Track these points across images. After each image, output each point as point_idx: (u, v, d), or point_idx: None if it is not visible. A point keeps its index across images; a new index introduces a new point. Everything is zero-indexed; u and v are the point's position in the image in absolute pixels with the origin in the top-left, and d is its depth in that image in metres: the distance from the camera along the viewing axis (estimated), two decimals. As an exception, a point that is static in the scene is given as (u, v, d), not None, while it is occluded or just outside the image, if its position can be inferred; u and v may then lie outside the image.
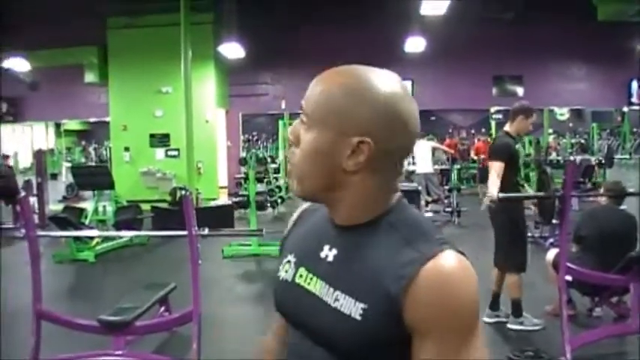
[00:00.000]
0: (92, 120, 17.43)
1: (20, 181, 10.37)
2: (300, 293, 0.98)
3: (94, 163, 18.97)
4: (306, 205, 1.13)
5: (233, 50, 11.31)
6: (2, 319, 4.55)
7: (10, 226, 6.35)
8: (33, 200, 8.62)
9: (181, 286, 4.25)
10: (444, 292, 0.83)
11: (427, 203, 9.85)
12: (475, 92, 13.29)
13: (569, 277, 3.72)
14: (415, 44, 11.52)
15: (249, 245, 7.25)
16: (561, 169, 6.93)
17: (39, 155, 10.25)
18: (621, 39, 11.97)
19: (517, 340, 4.15)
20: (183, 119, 10.27)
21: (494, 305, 4.45)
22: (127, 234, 7.37)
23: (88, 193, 10.76)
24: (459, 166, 11.17)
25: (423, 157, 10.19)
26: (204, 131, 11.95)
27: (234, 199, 7.96)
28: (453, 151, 13.09)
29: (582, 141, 21.28)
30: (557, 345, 3.59)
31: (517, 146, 4.52)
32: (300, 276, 1.00)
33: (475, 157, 14.35)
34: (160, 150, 12.51)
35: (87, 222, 7.99)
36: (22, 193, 6.57)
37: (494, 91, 13.39)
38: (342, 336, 0.89)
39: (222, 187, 13.07)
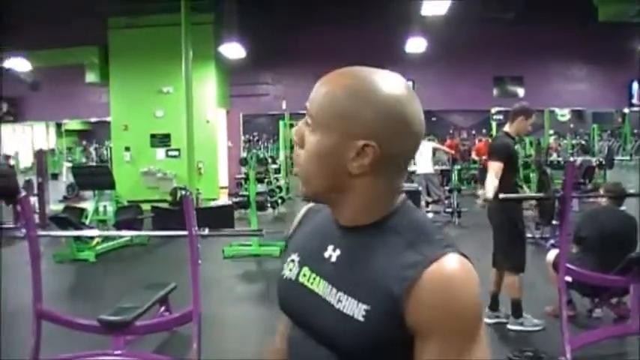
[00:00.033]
0: (93, 120, 17.45)
1: (21, 181, 10.37)
2: (304, 293, 0.98)
3: (94, 163, 19.00)
4: (311, 204, 1.13)
5: (234, 50, 11.31)
6: (2, 318, 4.55)
7: (11, 225, 6.35)
8: (33, 200, 8.61)
9: (182, 286, 4.25)
10: (446, 295, 0.83)
11: (427, 204, 9.86)
12: (476, 93, 13.29)
13: (569, 278, 3.72)
14: (416, 45, 11.52)
15: (250, 245, 7.25)
16: (561, 170, 6.93)
17: (40, 155, 10.23)
18: (622, 40, 11.97)
19: (517, 341, 4.15)
20: (184, 119, 10.28)
21: (494, 306, 4.46)
22: (127, 234, 7.38)
23: (88, 193, 10.76)
24: (459, 167, 11.16)
25: (423, 158, 10.18)
26: (204, 131, 11.96)
27: (235, 200, 7.96)
28: (453, 152, 13.09)
29: (583, 142, 21.29)
30: (557, 345, 3.59)
31: (516, 147, 4.53)
32: (304, 275, 1.00)
33: (476, 158, 14.35)
34: (160, 150, 12.51)
35: (87, 222, 7.99)
36: (23, 193, 6.57)
37: (494, 91, 13.38)
38: (344, 337, 0.90)
39: (222, 188, 13.07)
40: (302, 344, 1.00)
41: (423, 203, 9.39)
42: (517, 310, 4.31)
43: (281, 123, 13.99)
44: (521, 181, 9.48)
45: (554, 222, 4.91)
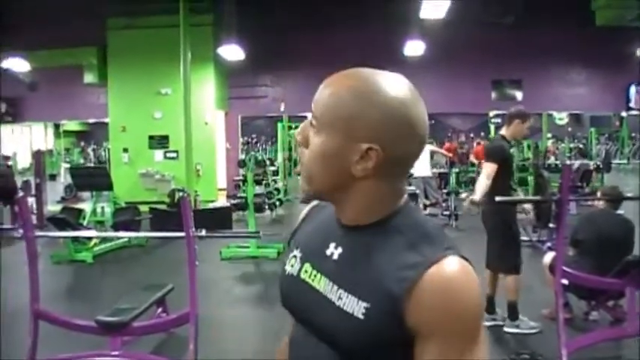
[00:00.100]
0: (91, 121, 17.45)
1: (19, 181, 10.36)
2: (305, 289, 0.99)
3: (92, 164, 18.99)
4: (315, 202, 1.13)
5: (232, 52, 11.32)
6: (1, 319, 4.55)
7: (9, 226, 6.34)
8: (31, 201, 8.63)
9: (179, 287, 4.25)
10: (447, 297, 0.83)
11: (425, 206, 9.87)
12: (474, 96, 13.32)
13: (565, 281, 3.73)
14: (414, 48, 11.55)
15: (248, 247, 7.25)
16: (559, 173, 6.95)
17: (38, 156, 10.23)
18: (620, 44, 12.00)
19: (514, 344, 4.16)
20: (183, 121, 10.28)
21: (490, 308, 4.46)
22: (124, 235, 7.37)
23: (86, 194, 10.76)
24: (457, 170, 11.17)
25: (421, 161, 10.17)
26: (203, 133, 11.97)
27: (233, 201, 7.97)
28: (451, 155, 13.09)
29: (581, 146, 21.34)
30: (554, 348, 3.59)
31: (513, 150, 4.55)
32: (305, 272, 1.01)
33: (475, 161, 14.36)
34: (158, 152, 12.52)
35: (85, 223, 7.98)
36: (21, 194, 6.56)
37: (493, 95, 13.41)
38: (344, 334, 0.90)
39: (220, 189, 13.08)
40: (303, 341, 1.01)
41: (420, 206, 9.41)
42: (513, 313, 4.32)
43: (279, 125, 14.00)
44: (516, 184, 9.49)
45: (550, 225, 4.93)
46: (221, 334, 4.64)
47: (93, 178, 8.92)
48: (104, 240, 7.66)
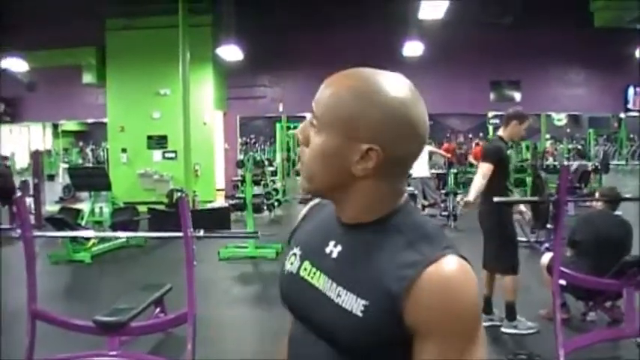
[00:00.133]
0: (90, 121, 17.45)
1: (17, 181, 10.36)
2: (304, 286, 0.99)
3: (91, 165, 18.99)
4: (316, 200, 1.14)
5: (231, 53, 11.32)
6: (0, 318, 4.54)
7: (7, 226, 6.34)
8: (29, 201, 8.63)
9: (177, 287, 4.25)
10: (445, 296, 0.84)
11: (423, 207, 9.87)
12: (473, 97, 13.33)
13: (563, 282, 3.73)
14: (413, 48, 11.55)
15: (246, 248, 7.25)
16: (557, 174, 6.97)
17: (36, 156, 10.24)
18: (618, 45, 12.02)
19: (511, 344, 4.17)
20: (181, 121, 10.28)
21: (487, 308, 4.46)
22: (122, 235, 7.36)
23: (84, 195, 10.75)
24: (455, 171, 11.18)
25: (419, 161, 10.18)
26: (201, 133, 11.97)
27: (231, 202, 7.97)
28: (449, 156, 13.10)
29: (579, 147, 21.36)
30: (551, 349, 3.60)
31: (510, 151, 4.56)
32: (305, 269, 1.01)
33: (474, 162, 14.37)
34: (157, 152, 12.51)
35: (83, 223, 7.98)
36: (19, 194, 6.56)
37: (491, 96, 13.42)
38: (343, 331, 0.90)
39: (219, 190, 13.07)
40: (302, 338, 1.01)
41: (419, 207, 9.41)
42: (511, 313, 4.33)
43: (278, 126, 14.01)
44: (512, 185, 9.51)
45: (548, 226, 4.94)
46: (219, 334, 4.64)
47: (91, 178, 8.92)
48: (102, 240, 7.65)
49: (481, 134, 21.64)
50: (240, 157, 13.50)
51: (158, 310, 4.41)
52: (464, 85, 13.09)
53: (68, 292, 6.22)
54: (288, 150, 15.95)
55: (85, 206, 8.99)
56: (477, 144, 16.57)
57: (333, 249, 0.98)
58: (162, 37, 11.46)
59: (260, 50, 12.15)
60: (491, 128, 16.92)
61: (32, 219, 7.67)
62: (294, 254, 1.06)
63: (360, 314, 0.89)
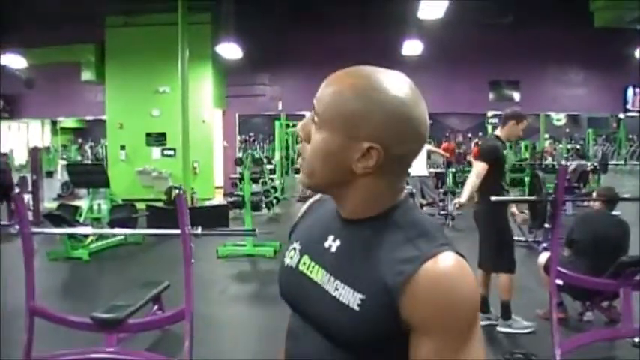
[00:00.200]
0: (89, 118, 17.46)
1: (16, 178, 10.36)
2: (302, 280, 1.00)
3: (89, 162, 18.97)
4: (316, 196, 1.15)
5: (231, 50, 11.31)
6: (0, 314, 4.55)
7: (5, 223, 6.34)
8: (28, 198, 8.63)
9: (175, 284, 4.26)
10: (440, 291, 0.84)
11: (422, 206, 9.86)
12: (472, 96, 13.33)
13: (560, 281, 3.74)
14: (413, 47, 11.54)
15: (244, 246, 7.25)
16: (555, 174, 6.99)
17: (35, 153, 10.24)
18: (618, 45, 12.02)
19: (508, 343, 4.17)
20: (180, 119, 10.28)
21: (484, 307, 4.46)
22: (120, 232, 7.37)
23: (83, 192, 10.76)
24: (454, 170, 11.20)
25: (418, 161, 10.17)
26: (200, 131, 11.97)
27: (230, 200, 7.97)
28: (448, 155, 13.11)
29: (578, 147, 21.37)
30: (548, 348, 3.61)
31: (506, 151, 4.56)
32: (304, 263, 1.02)
33: (473, 162, 14.36)
34: (156, 149, 12.50)
35: (82, 220, 7.97)
36: (17, 190, 6.57)
37: (491, 95, 13.42)
38: (340, 325, 0.91)
39: (217, 187, 13.07)
40: (300, 332, 1.02)
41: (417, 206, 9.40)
42: (506, 312, 4.34)
43: (277, 124, 13.98)
44: (508, 185, 9.52)
45: (546, 225, 4.95)
46: (216, 332, 4.65)
47: (90, 175, 8.91)
48: (100, 237, 7.65)
49: (480, 134, 21.64)
50: (239, 154, 13.51)
51: (156, 307, 4.42)
52: (463, 84, 13.09)
53: (66, 289, 6.22)
54: (287, 148, 15.93)
55: (83, 203, 8.99)
56: (476, 143, 16.58)
57: (332, 243, 0.99)
58: (161, 34, 11.44)
59: (259, 48, 12.13)
60: (490, 128, 16.88)
61: (30, 215, 7.66)
62: (294, 249, 1.07)
63: (356, 308, 0.89)
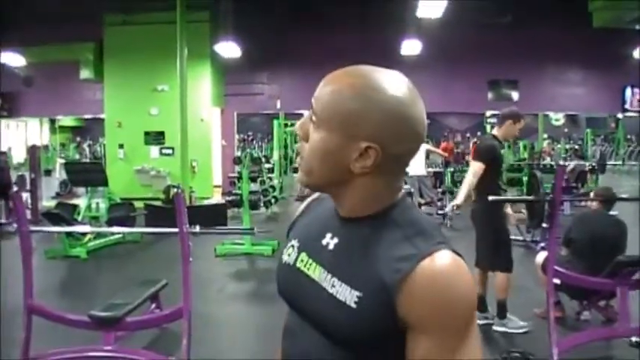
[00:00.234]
0: (87, 117, 17.42)
1: (14, 176, 10.34)
2: (300, 277, 1.01)
3: (88, 160, 18.95)
4: (315, 195, 1.15)
5: (229, 49, 11.31)
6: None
7: (3, 221, 6.34)
8: (26, 196, 8.61)
9: (173, 283, 4.26)
10: (437, 290, 0.84)
11: (420, 205, 9.87)
12: (471, 96, 13.34)
13: (557, 281, 3.75)
14: (411, 47, 11.56)
15: (242, 244, 7.26)
16: (553, 174, 7.01)
17: (33, 151, 10.23)
18: (616, 45, 12.03)
19: (505, 342, 4.18)
20: (179, 117, 10.27)
21: (482, 306, 4.47)
22: (118, 230, 7.36)
23: (81, 190, 10.75)
24: (452, 169, 11.21)
25: (416, 160, 10.20)
26: (199, 130, 11.97)
27: (228, 198, 7.97)
28: (447, 155, 13.12)
29: (576, 147, 21.39)
30: (545, 347, 3.61)
31: (503, 150, 4.57)
32: (301, 261, 1.02)
33: (470, 161, 14.36)
34: (154, 148, 12.49)
35: (80, 218, 7.97)
36: (15, 189, 6.56)
37: (489, 95, 13.43)
38: (337, 322, 0.91)
39: (216, 186, 13.07)
40: (297, 329, 1.02)
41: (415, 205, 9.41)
42: (502, 311, 4.34)
43: (275, 122, 13.98)
44: (505, 184, 9.53)
45: (544, 225, 4.95)
46: (215, 330, 4.65)
47: (88, 173, 8.91)
48: (98, 236, 7.65)
49: (479, 133, 21.66)
50: (238, 153, 13.49)
51: (154, 305, 4.42)
52: (462, 84, 13.10)
53: (64, 287, 6.22)
54: (286, 147, 15.94)
55: (81, 202, 8.97)
56: (475, 143, 16.60)
57: (330, 241, 0.99)
58: (160, 33, 11.43)
59: (258, 47, 12.13)
60: (489, 127, 16.92)
61: (29, 214, 7.65)
62: (292, 246, 1.07)
63: (353, 305, 0.89)
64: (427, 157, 10.82)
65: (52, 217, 6.96)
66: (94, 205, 9.07)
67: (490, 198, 3.89)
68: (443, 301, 0.84)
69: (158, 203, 8.62)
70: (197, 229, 3.43)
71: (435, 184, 11.47)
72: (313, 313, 0.97)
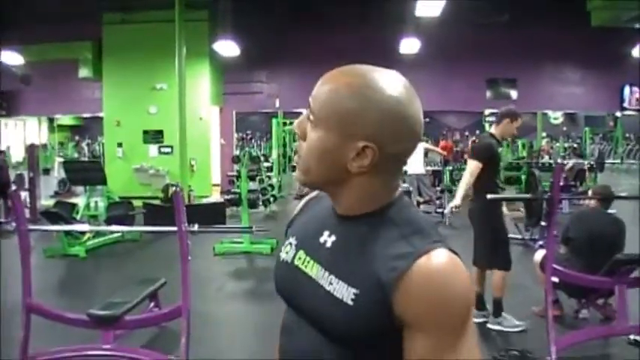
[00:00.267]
0: (86, 115, 17.41)
1: (12, 175, 10.34)
2: (298, 275, 1.01)
3: (86, 159, 18.94)
4: (313, 193, 1.16)
5: (228, 48, 11.31)
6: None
7: (2, 220, 6.33)
8: (25, 195, 8.61)
9: (172, 282, 4.26)
10: (434, 289, 0.84)
11: (419, 204, 9.87)
12: (469, 95, 13.35)
13: (555, 279, 3.75)
14: (410, 45, 11.56)
15: (241, 243, 7.26)
16: (551, 172, 7.02)
17: (31, 150, 10.22)
18: (615, 44, 12.04)
19: (503, 340, 4.18)
20: (177, 116, 10.27)
21: (480, 304, 4.47)
22: (117, 229, 7.36)
23: (80, 189, 10.73)
24: (450, 168, 11.21)
25: (415, 158, 10.18)
26: (198, 129, 11.97)
27: (227, 197, 7.96)
28: (445, 153, 13.12)
29: (575, 145, 21.39)
30: (544, 345, 3.61)
31: (501, 149, 4.57)
32: (299, 258, 1.03)
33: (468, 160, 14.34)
34: (153, 146, 12.50)
35: (78, 217, 7.96)
36: (14, 187, 6.55)
37: (488, 94, 13.44)
38: (334, 319, 0.92)
39: (215, 185, 13.07)
40: (295, 327, 1.02)
41: (414, 203, 9.41)
42: (497, 310, 4.34)
43: (274, 121, 13.98)
44: (503, 183, 9.54)
45: (542, 223, 4.96)
46: (213, 329, 4.64)
47: (87, 172, 8.90)
48: (97, 234, 7.65)
49: (477, 132, 21.61)
50: (236, 152, 13.50)
51: (152, 304, 4.42)
52: (460, 82, 13.10)
53: (63, 286, 6.22)
54: (284, 146, 15.94)
55: (80, 200, 8.96)
56: (474, 141, 16.59)
57: (327, 239, 1.00)
58: (158, 31, 11.44)
59: (257, 46, 12.13)
60: (487, 126, 16.92)
61: (27, 213, 7.64)
62: (290, 244, 1.08)
63: (350, 302, 0.90)
64: (426, 155, 10.81)
65: (51, 215, 6.96)
66: (92, 204, 9.05)
67: (488, 196, 3.90)
68: (439, 299, 0.84)
69: (157, 202, 8.62)
70: (196, 227, 3.43)
71: (434, 183, 11.47)
72: (310, 310, 0.97)
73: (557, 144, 21.64)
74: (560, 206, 8.01)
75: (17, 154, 19.79)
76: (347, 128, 0.91)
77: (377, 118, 0.90)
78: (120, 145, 12.52)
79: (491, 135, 4.43)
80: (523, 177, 10.92)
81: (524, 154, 14.11)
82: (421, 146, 10.36)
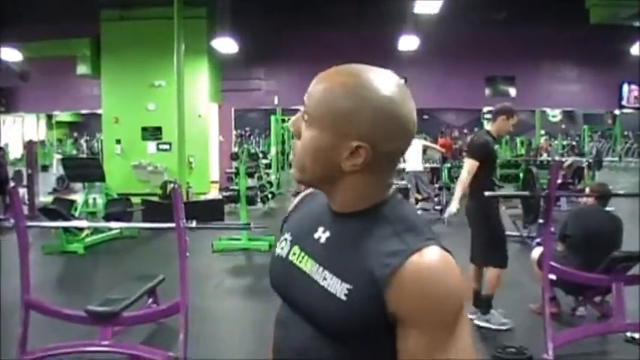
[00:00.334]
0: (84, 112, 17.39)
1: (11, 172, 10.33)
2: (292, 270, 1.02)
3: (85, 156, 18.92)
4: (308, 190, 1.16)
5: (226, 45, 11.30)
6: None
7: (0, 216, 6.33)
8: (23, 191, 8.61)
9: (170, 278, 4.26)
10: (426, 285, 0.85)
11: (417, 201, 9.88)
12: (468, 92, 13.36)
13: (553, 276, 3.76)
14: (409, 43, 11.55)
15: (239, 240, 7.27)
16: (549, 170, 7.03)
17: (30, 146, 10.22)
18: (613, 42, 12.06)
19: (500, 337, 4.19)
20: (176, 113, 10.26)
21: (476, 301, 4.47)
22: (115, 225, 7.35)
23: (78, 186, 10.73)
24: (449, 165, 11.23)
25: (413, 156, 10.20)
26: (196, 125, 11.96)
27: (225, 194, 7.96)
28: (444, 150, 13.14)
29: (574, 143, 21.41)
30: (541, 342, 3.62)
31: (497, 147, 4.57)
32: (294, 254, 1.04)
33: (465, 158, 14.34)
34: (151, 143, 12.49)
35: (77, 214, 7.97)
36: (12, 184, 6.55)
37: (486, 91, 13.46)
38: (327, 314, 0.93)
39: (213, 182, 13.07)
40: (289, 322, 1.03)
41: (412, 200, 9.43)
42: (486, 306, 4.33)
43: (273, 118, 13.96)
44: (498, 179, 9.55)
45: (539, 220, 4.97)
46: (211, 325, 4.65)
47: (85, 169, 8.90)
48: (96, 231, 7.65)
49: (476, 129, 21.63)
50: (235, 149, 13.48)
51: (151, 300, 4.42)
52: (459, 80, 13.11)
53: (61, 282, 6.22)
54: (283, 143, 15.90)
55: (78, 197, 8.97)
56: (472, 139, 16.59)
57: (322, 235, 1.01)
58: (157, 28, 11.43)
59: (255, 43, 12.13)
60: (486, 123, 16.94)
61: (26, 209, 7.65)
62: (285, 239, 1.08)
63: (343, 298, 0.91)
64: (424, 152, 10.81)
65: (49, 212, 6.96)
66: (91, 201, 9.06)
67: (486, 193, 3.90)
68: (431, 296, 0.85)
69: (155, 199, 8.62)
70: (194, 224, 3.43)
71: (432, 180, 11.48)
72: (304, 305, 0.98)
73: (556, 142, 21.67)
74: (558, 204, 8.04)
75: (16, 151, 19.78)
76: (341, 128, 0.92)
77: (370, 118, 0.91)
78: (118, 141, 12.50)
79: (488, 132, 4.43)
80: (521, 174, 10.94)
81: (523, 151, 14.11)
82: (420, 143, 10.36)
